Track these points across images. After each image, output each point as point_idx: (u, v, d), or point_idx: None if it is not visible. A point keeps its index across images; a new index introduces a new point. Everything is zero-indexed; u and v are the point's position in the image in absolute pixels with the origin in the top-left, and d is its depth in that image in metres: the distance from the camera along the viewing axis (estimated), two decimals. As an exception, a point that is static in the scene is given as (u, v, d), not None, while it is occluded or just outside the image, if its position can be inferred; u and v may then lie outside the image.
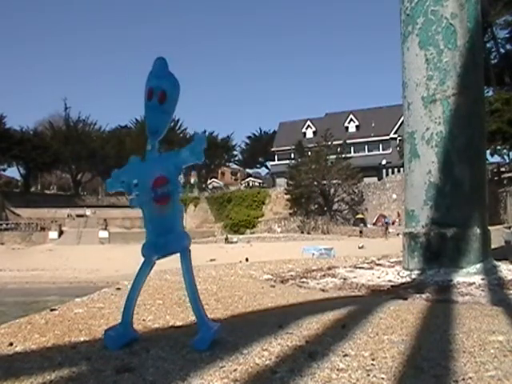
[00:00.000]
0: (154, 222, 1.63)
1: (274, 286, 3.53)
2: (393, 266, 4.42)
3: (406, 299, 2.88)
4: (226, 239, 36.92)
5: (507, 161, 35.83)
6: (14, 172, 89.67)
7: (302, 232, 39.15)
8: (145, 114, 1.65)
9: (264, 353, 1.55)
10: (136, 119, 61.94)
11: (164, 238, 1.60)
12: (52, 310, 2.39)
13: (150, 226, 1.64)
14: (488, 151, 30.51)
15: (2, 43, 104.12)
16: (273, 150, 55.86)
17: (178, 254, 1.66)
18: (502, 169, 36.25)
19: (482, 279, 3.51)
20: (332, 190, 41.44)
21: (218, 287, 3.37)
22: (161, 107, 1.59)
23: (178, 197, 1.65)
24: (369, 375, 1.32)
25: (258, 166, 72.54)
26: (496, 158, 34.90)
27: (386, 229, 35.04)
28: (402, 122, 4.77)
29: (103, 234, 38.79)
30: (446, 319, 2.13)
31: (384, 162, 48.61)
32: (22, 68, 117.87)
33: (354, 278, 3.96)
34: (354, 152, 49.10)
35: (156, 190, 1.60)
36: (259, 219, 43.88)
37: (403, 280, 3.77)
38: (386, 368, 1.38)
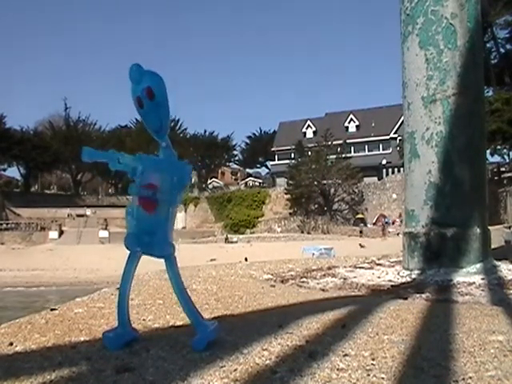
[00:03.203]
0: (139, 218, 1.59)
1: (274, 286, 3.53)
2: (393, 266, 4.42)
3: (405, 299, 2.88)
4: (226, 239, 36.92)
5: (507, 161, 35.84)
6: (14, 172, 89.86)
7: (302, 232, 39.15)
8: (143, 121, 1.63)
9: (264, 352, 1.55)
10: (136, 119, 61.85)
11: (148, 238, 1.57)
12: (52, 309, 2.39)
13: (134, 221, 1.60)
14: (488, 151, 30.52)
15: (2, 43, 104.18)
16: (273, 149, 55.87)
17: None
18: (502, 169, 36.28)
19: (482, 279, 3.51)
20: (332, 190, 41.46)
21: (218, 287, 3.37)
22: (154, 103, 1.57)
23: (169, 208, 1.59)
24: (369, 375, 1.32)
25: (258, 165, 72.59)
26: (496, 158, 34.94)
27: (383, 229, 35.11)
28: (402, 121, 4.77)
29: (103, 233, 38.78)
30: (446, 319, 2.13)
31: (384, 161, 48.62)
32: (22, 68, 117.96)
33: (354, 277, 3.96)
34: (354, 152, 49.11)
35: (144, 190, 1.58)
36: (259, 219, 43.88)
37: (403, 280, 3.77)
38: (386, 368, 1.38)
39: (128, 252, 1.64)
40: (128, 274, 1.65)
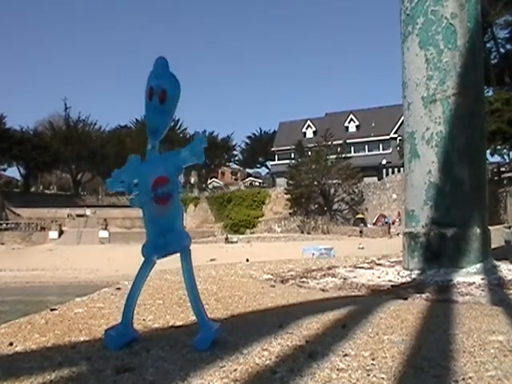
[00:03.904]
0: (153, 222, 1.63)
1: (274, 286, 3.53)
2: (393, 266, 4.42)
3: (406, 299, 2.88)
4: (226, 239, 36.93)
5: (507, 161, 35.83)
6: (14, 172, 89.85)
7: (302, 232, 39.15)
8: (145, 114, 1.65)
9: (264, 353, 1.55)
10: (136, 119, 61.96)
11: (164, 238, 1.60)
12: (52, 309, 2.39)
13: (149, 226, 1.64)
14: (488, 151, 30.50)
15: (2, 43, 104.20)
16: (273, 149, 55.89)
17: (178, 254, 1.66)
18: (502, 169, 36.27)
19: (482, 279, 3.51)
20: (332, 190, 41.45)
21: (218, 287, 3.37)
22: (161, 107, 1.59)
23: (178, 197, 1.64)
24: (369, 375, 1.32)
25: (258, 165, 72.58)
26: (496, 158, 34.92)
27: (389, 227, 35.11)
28: (402, 122, 4.77)
29: (103, 233, 38.78)
30: (446, 319, 2.13)
31: (384, 161, 48.63)
32: (22, 68, 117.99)
33: (354, 277, 3.96)
34: (354, 152, 49.12)
35: (156, 190, 1.60)
36: (259, 219, 43.87)
37: (403, 280, 3.77)
38: (386, 368, 1.38)
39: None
40: (140, 279, 1.68)
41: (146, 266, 1.67)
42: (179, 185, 1.65)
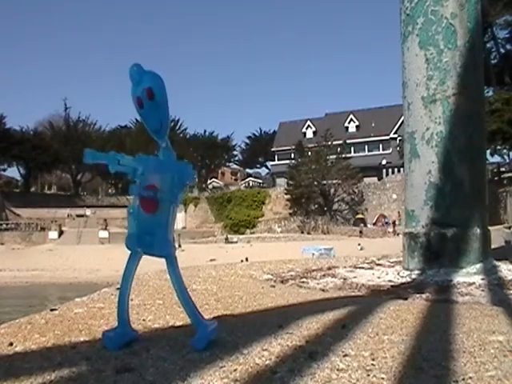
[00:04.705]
0: (140, 219, 1.59)
1: (274, 286, 3.53)
2: (393, 266, 4.42)
3: (406, 299, 2.88)
4: (226, 239, 36.95)
5: (507, 161, 35.83)
6: (14, 172, 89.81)
7: (302, 232, 39.18)
8: (143, 121, 1.63)
9: (264, 353, 1.55)
10: (136, 119, 61.90)
11: (149, 238, 1.57)
12: (52, 309, 2.39)
13: (135, 221, 1.61)
14: (488, 151, 30.49)
15: (2, 43, 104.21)
16: (273, 150, 55.96)
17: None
18: (502, 169, 36.30)
19: (482, 279, 3.51)
20: (332, 190, 41.48)
21: (217, 287, 3.37)
22: (154, 103, 1.58)
23: (170, 208, 1.59)
24: (369, 375, 1.32)
25: (258, 166, 72.64)
26: (496, 158, 34.94)
27: (394, 226, 35.13)
28: (402, 122, 4.77)
29: (103, 233, 38.81)
30: (446, 319, 2.13)
31: (384, 162, 48.68)
32: (22, 68, 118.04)
33: (354, 277, 3.96)
34: (354, 152, 49.18)
35: (145, 190, 1.59)
36: (259, 219, 43.88)
37: (403, 280, 3.77)
38: (386, 368, 1.38)
39: (129, 252, 1.64)
40: (128, 274, 1.65)
41: (133, 259, 1.64)
42: (174, 196, 1.60)
